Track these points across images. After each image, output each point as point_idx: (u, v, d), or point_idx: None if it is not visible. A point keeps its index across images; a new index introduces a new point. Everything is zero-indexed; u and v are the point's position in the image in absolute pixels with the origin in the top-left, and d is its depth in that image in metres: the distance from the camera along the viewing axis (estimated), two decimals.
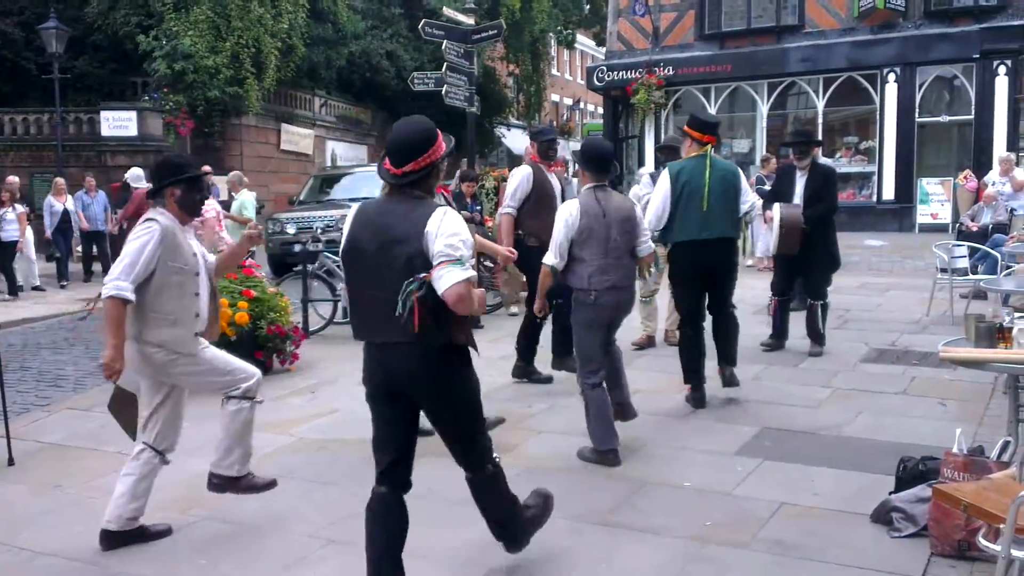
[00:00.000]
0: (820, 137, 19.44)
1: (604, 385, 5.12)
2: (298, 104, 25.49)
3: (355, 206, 3.53)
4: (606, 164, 5.25)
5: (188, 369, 4.20)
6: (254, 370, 4.40)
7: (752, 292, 10.13)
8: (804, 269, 7.66)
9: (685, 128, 6.38)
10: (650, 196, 6.74)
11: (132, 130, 19.83)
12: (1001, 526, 2.89)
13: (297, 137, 24.52)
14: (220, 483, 4.43)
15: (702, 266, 6.15)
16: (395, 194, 3.35)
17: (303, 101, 25.73)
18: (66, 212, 14.93)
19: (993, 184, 13.24)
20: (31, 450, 5.74)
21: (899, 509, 3.99)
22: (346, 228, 3.39)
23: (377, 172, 3.43)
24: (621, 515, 4.29)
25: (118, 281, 3.97)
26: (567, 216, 5.06)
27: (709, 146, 6.19)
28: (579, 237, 5.02)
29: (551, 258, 5.11)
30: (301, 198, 17.25)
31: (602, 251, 5.05)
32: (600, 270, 5.04)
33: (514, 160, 30.17)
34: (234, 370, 4.32)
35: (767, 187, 12.94)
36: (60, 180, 15.54)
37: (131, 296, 3.99)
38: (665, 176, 6.20)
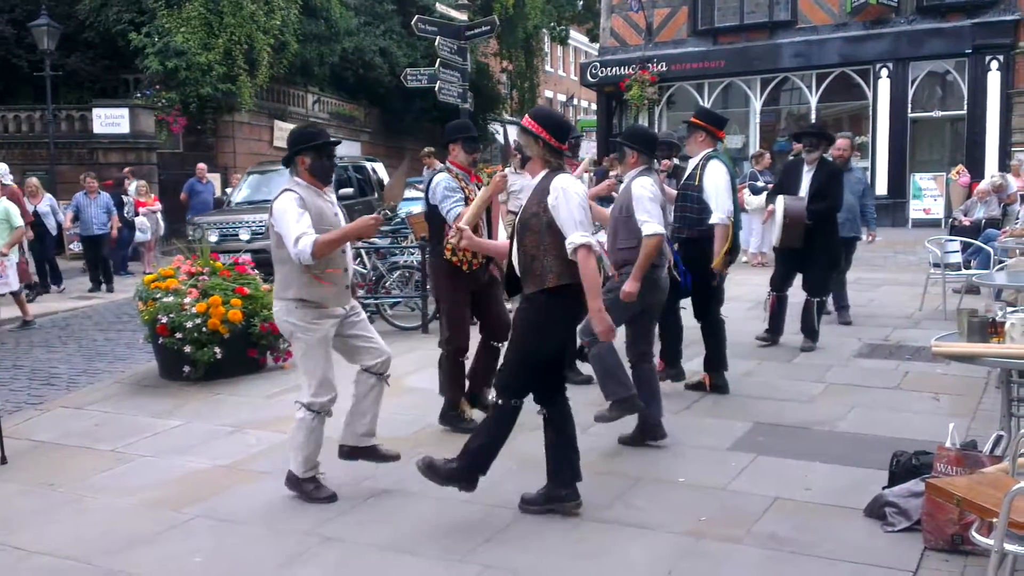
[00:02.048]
0: None
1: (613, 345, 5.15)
2: (291, 101, 25.42)
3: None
4: (655, 146, 5.40)
5: (306, 340, 4.42)
6: (384, 351, 4.56)
7: (748, 288, 10.15)
8: (804, 266, 7.64)
9: (696, 121, 6.27)
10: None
11: (124, 127, 19.72)
12: (994, 520, 2.90)
13: None
14: (348, 451, 4.66)
15: (735, 257, 6.29)
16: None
17: (296, 98, 25.66)
18: (38, 215, 13.31)
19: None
20: (24, 449, 5.72)
21: (892, 503, 4.01)
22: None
23: (562, 151, 4.13)
24: (615, 511, 4.30)
25: (300, 244, 4.20)
26: (650, 187, 5.11)
27: (722, 142, 6.24)
28: None
29: (657, 226, 5.03)
30: (235, 199, 14.49)
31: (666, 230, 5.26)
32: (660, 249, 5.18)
33: (509, 155, 30.09)
34: (363, 348, 4.52)
35: (759, 183, 12.96)
36: (32, 180, 14.05)
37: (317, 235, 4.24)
38: (723, 168, 6.12)
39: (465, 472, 4.18)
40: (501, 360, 4.48)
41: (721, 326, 6.38)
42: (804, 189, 7.52)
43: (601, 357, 5.08)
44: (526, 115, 4.22)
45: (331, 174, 4.62)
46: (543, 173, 4.13)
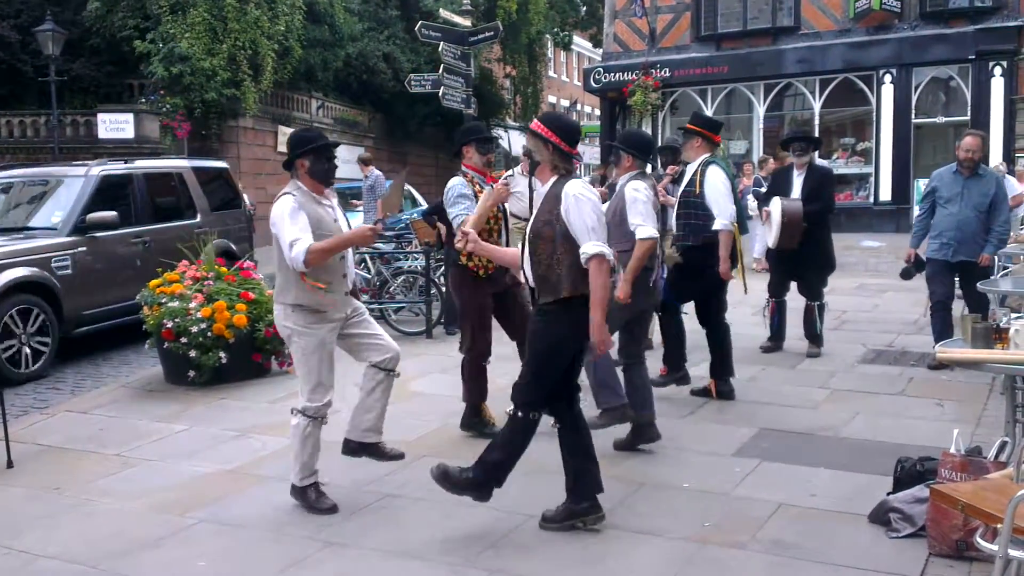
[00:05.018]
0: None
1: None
2: (295, 106, 25.48)
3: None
4: (650, 151, 5.35)
5: (302, 344, 4.43)
6: (391, 347, 4.61)
7: (751, 294, 10.14)
8: (799, 270, 7.64)
9: (692, 127, 6.28)
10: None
11: (129, 132, 19.78)
12: (998, 526, 2.90)
13: None
14: (352, 447, 4.72)
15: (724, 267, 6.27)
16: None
17: (300, 103, 25.72)
18: None
19: None
20: (30, 453, 5.73)
21: (897, 509, 4.01)
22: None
23: (572, 156, 4.08)
24: (619, 516, 4.30)
25: (295, 250, 4.18)
26: (644, 192, 5.04)
27: (719, 146, 6.23)
28: None
29: (651, 230, 4.96)
30: None
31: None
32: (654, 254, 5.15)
33: (511, 161, 30.14)
34: (369, 345, 4.57)
35: (764, 189, 12.97)
36: None
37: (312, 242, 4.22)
38: (722, 173, 6.13)
39: (480, 483, 4.12)
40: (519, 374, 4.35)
41: (726, 332, 6.39)
42: (795, 194, 7.54)
43: (596, 365, 5.01)
44: (535, 119, 4.18)
45: (332, 176, 4.58)
46: (553, 179, 4.07)
